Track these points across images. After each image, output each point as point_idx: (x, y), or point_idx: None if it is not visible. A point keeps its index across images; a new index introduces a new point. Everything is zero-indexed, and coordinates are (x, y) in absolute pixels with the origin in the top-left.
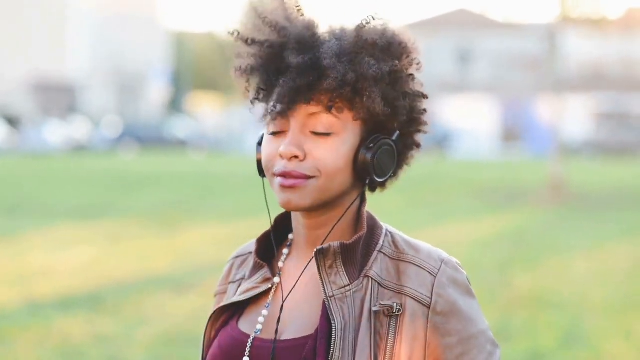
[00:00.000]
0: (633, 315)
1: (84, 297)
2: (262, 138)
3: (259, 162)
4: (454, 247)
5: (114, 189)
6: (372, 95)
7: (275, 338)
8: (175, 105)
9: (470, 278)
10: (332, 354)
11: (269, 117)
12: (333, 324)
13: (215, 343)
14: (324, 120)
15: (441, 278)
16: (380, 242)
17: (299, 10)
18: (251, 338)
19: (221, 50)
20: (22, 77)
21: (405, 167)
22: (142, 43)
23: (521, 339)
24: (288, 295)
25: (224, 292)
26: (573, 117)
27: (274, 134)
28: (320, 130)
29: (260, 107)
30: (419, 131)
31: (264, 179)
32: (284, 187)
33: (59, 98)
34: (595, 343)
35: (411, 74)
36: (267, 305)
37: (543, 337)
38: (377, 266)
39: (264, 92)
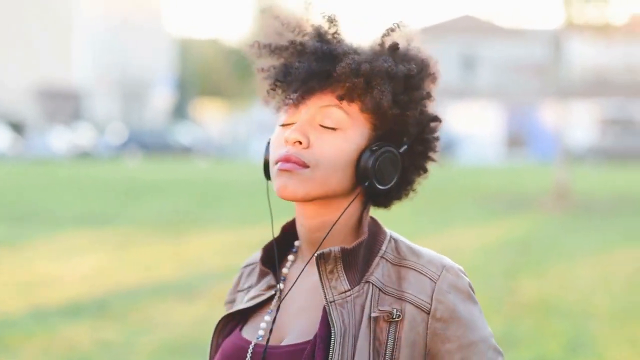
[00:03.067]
0: (638, 322)
1: (90, 304)
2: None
3: (266, 163)
4: (459, 253)
5: (119, 196)
6: (383, 89)
7: (267, 342)
8: (180, 112)
9: (474, 285)
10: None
11: (284, 106)
12: (332, 330)
13: (219, 351)
14: (333, 114)
15: (441, 284)
16: (383, 247)
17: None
18: (252, 344)
19: (226, 57)
20: (27, 84)
21: (409, 191)
22: (147, 50)
23: (527, 346)
24: (284, 296)
25: (234, 301)
26: (578, 123)
27: (284, 125)
28: (328, 124)
29: (274, 102)
30: (428, 156)
31: (269, 182)
32: (281, 170)
33: (64, 105)
34: (600, 350)
35: (429, 93)
36: (269, 312)
37: (549, 344)
38: (379, 272)
39: (281, 86)
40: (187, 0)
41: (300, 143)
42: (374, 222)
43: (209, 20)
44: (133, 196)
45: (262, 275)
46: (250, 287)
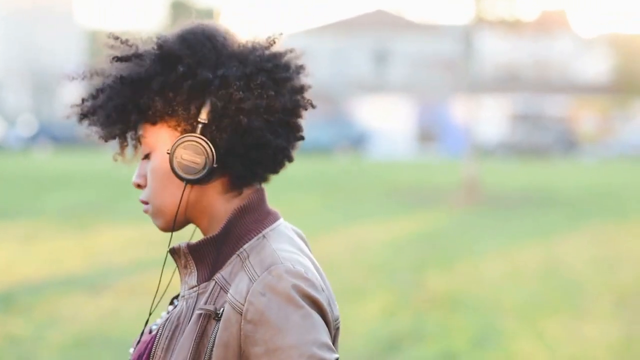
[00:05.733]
0: (544, 315)
1: None
2: None
3: None
4: (368, 248)
5: (28, 189)
6: (117, 96)
7: (141, 334)
8: None
9: (382, 279)
10: (154, 353)
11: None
12: (162, 324)
13: None
14: (143, 143)
15: (257, 286)
16: (246, 245)
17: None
18: (140, 334)
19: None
20: None
21: (255, 154)
22: (58, 40)
23: (434, 339)
24: (163, 294)
25: None
26: (488, 118)
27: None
28: (143, 153)
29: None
30: (239, 95)
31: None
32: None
33: None
34: (506, 344)
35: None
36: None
37: (456, 338)
38: (227, 270)
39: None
40: None
41: (140, 186)
42: (254, 219)
43: (120, 11)
44: (42, 189)
45: None
46: None
